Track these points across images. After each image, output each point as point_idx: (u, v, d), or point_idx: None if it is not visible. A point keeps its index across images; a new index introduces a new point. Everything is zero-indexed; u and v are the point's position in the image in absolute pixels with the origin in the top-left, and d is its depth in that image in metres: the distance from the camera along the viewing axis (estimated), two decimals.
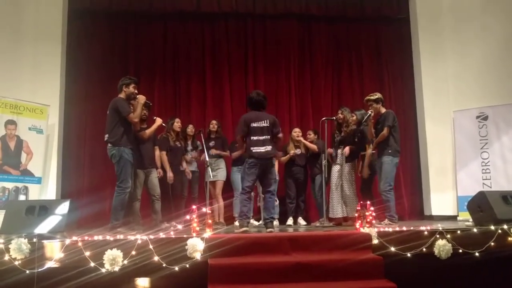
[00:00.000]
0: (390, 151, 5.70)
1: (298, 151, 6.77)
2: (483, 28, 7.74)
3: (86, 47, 7.83)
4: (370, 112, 5.89)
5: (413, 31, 8.38)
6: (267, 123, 5.05)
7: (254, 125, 5.03)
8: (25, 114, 6.82)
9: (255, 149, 4.97)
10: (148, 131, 5.56)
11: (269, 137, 5.05)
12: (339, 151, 6.26)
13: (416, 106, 8.27)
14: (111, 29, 7.98)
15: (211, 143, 6.72)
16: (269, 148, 5.00)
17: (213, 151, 6.63)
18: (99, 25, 7.94)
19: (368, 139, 6.06)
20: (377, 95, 5.92)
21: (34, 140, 6.84)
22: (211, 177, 6.20)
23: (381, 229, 4.43)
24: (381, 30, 8.52)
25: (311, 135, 6.85)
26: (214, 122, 6.95)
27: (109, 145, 5.06)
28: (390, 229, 4.43)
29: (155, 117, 5.72)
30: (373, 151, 6.04)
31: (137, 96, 5.25)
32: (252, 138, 5.01)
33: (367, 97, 5.97)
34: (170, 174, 6.06)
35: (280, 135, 5.22)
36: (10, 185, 6.51)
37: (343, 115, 6.34)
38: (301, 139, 6.77)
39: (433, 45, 8.08)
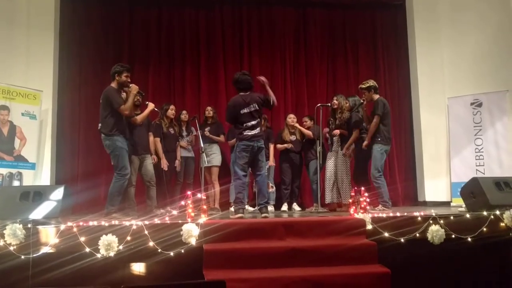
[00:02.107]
0: (379, 139, 5.75)
1: (293, 138, 6.78)
2: (479, 15, 7.71)
3: (79, 33, 7.74)
4: (362, 100, 5.92)
5: (409, 18, 8.34)
6: (255, 106, 5.05)
7: (244, 111, 5.02)
8: (18, 100, 6.77)
9: (246, 133, 4.99)
10: (140, 117, 5.51)
11: (258, 120, 5.09)
12: (334, 138, 6.28)
13: (411, 93, 8.28)
14: (104, 15, 7.87)
15: (207, 129, 6.71)
16: (257, 131, 5.04)
17: (207, 133, 6.61)
18: (92, 11, 7.83)
19: (357, 124, 6.10)
20: (369, 83, 5.94)
21: (28, 125, 6.81)
22: (206, 163, 6.21)
23: (375, 215, 4.46)
24: (377, 17, 8.47)
25: (307, 121, 6.85)
26: (209, 108, 6.92)
27: (102, 135, 5.05)
28: (384, 215, 4.46)
29: (147, 102, 5.69)
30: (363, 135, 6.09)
31: (130, 85, 5.21)
32: (244, 124, 5.02)
33: (360, 85, 6.01)
34: (164, 161, 6.08)
35: (272, 100, 5.15)
36: (4, 171, 6.49)
37: (338, 101, 6.34)
38: (297, 125, 6.78)
39: (428, 32, 8.05)
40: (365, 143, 5.81)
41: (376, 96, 5.92)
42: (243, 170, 5.05)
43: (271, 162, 6.79)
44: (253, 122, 5.02)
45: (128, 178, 5.15)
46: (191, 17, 8.09)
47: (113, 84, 5.14)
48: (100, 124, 5.09)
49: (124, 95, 5.26)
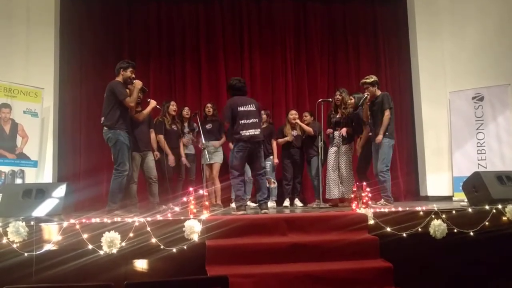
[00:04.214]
0: (387, 133, 5.71)
1: (294, 133, 6.77)
2: (479, 9, 7.70)
3: (79, 29, 7.74)
4: (366, 95, 5.90)
5: (409, 12, 8.32)
6: (253, 107, 5.08)
7: (241, 109, 5.02)
8: (20, 98, 6.77)
9: (243, 132, 4.97)
10: (142, 114, 5.54)
11: (257, 120, 5.06)
12: (336, 132, 6.26)
13: (412, 87, 8.27)
14: (104, 11, 7.86)
15: (208, 126, 6.69)
16: (257, 131, 5.02)
17: (215, 145, 6.59)
18: (91, 8, 7.82)
19: (365, 121, 6.08)
20: (373, 78, 5.92)
21: (29, 123, 6.82)
22: (208, 159, 6.22)
23: (377, 210, 4.46)
24: (377, 11, 8.44)
25: (307, 117, 6.83)
26: (209, 105, 6.87)
27: (105, 128, 5.05)
28: (386, 210, 4.47)
29: (149, 100, 5.70)
30: (370, 133, 6.06)
31: (134, 81, 5.22)
32: (240, 122, 4.99)
33: (363, 80, 5.96)
34: (171, 157, 6.09)
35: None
36: (6, 169, 6.51)
37: (341, 96, 6.31)
38: (298, 121, 6.77)
39: (429, 26, 8.03)
40: (379, 137, 5.68)
41: (379, 92, 5.90)
42: (239, 170, 5.04)
43: (275, 159, 6.78)
44: (250, 121, 4.99)
45: (128, 174, 5.16)
46: (190, 12, 8.06)
47: (118, 79, 5.16)
48: (103, 118, 5.08)
49: (127, 91, 5.26)
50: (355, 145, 6.35)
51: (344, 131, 6.14)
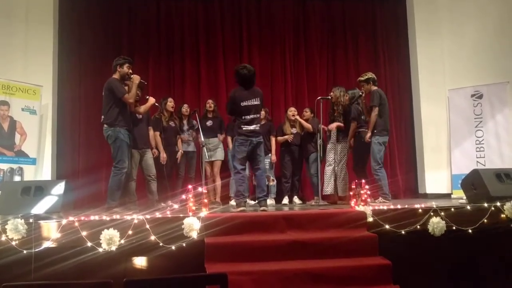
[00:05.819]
0: (375, 130, 5.73)
1: (294, 131, 6.77)
2: (478, 7, 7.71)
3: (78, 27, 7.72)
4: (360, 93, 5.93)
5: (408, 10, 8.32)
6: (257, 101, 5.02)
7: (245, 103, 4.99)
8: (18, 95, 6.76)
9: (245, 127, 4.97)
10: (143, 107, 5.57)
11: (258, 115, 5.06)
12: (332, 131, 6.28)
13: (412, 85, 8.27)
14: (103, 9, 7.85)
15: (208, 123, 6.69)
16: (258, 126, 5.02)
17: (220, 137, 6.67)
18: (91, 6, 7.81)
19: (355, 117, 6.13)
20: (367, 75, 5.95)
21: (28, 121, 6.81)
22: (207, 157, 6.21)
23: (376, 207, 4.47)
24: (377, 9, 8.44)
25: (307, 112, 6.83)
26: (210, 101, 6.87)
27: (105, 126, 5.07)
28: (385, 207, 4.47)
29: (147, 97, 5.70)
30: (362, 129, 6.09)
31: (132, 76, 5.22)
32: (243, 117, 4.99)
33: (359, 78, 6.04)
34: (163, 155, 6.07)
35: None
36: (4, 166, 6.50)
37: (334, 93, 6.33)
38: (297, 117, 6.76)
39: (428, 24, 8.04)
40: (368, 135, 5.78)
41: (375, 88, 5.91)
42: (242, 164, 5.04)
43: (273, 157, 6.78)
44: (252, 116, 4.99)
45: (127, 172, 5.16)
46: (190, 10, 8.06)
47: (115, 76, 5.16)
48: (103, 116, 5.10)
49: (126, 88, 5.26)
50: (355, 142, 6.36)
51: (332, 126, 6.18)
